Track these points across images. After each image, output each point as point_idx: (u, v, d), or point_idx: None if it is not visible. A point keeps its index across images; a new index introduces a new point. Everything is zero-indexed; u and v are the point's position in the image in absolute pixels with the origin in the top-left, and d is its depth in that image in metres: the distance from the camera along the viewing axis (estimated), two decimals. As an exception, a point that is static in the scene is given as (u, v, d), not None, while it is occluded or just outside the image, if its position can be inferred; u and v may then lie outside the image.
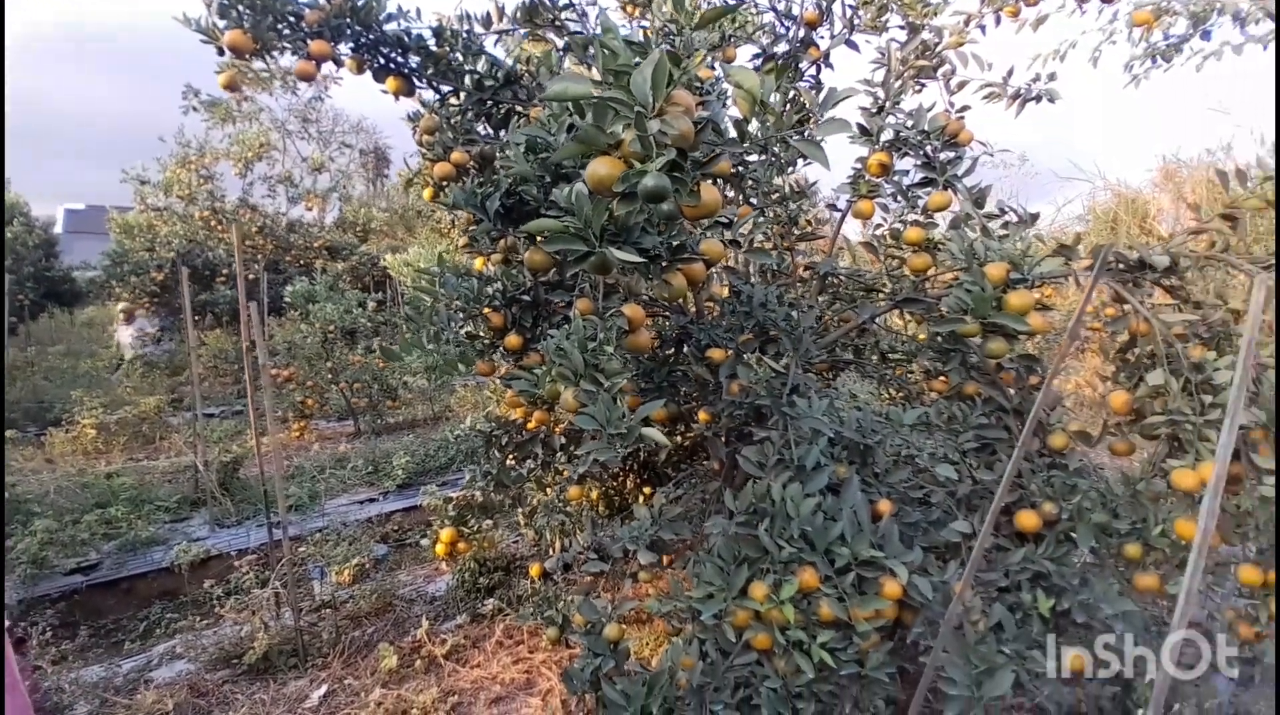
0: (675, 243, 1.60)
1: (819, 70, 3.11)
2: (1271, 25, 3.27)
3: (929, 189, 2.38)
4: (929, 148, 2.33)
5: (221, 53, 2.59)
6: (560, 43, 2.95)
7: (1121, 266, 2.22)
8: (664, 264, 1.59)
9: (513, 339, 2.33)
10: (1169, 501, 2.16)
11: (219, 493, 5.20)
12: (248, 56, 2.66)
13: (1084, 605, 1.89)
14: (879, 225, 2.45)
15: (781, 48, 3.02)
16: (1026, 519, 2.00)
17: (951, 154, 2.36)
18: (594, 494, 3.38)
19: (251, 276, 10.39)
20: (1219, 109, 10.00)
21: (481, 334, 2.43)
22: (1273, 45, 3.29)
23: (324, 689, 2.98)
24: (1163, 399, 2.11)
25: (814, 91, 2.97)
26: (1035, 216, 2.22)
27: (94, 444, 6.91)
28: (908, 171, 2.40)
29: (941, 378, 2.79)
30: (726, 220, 2.02)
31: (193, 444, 5.72)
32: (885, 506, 2.08)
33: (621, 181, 1.21)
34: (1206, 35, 3.59)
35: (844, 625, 1.75)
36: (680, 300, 2.78)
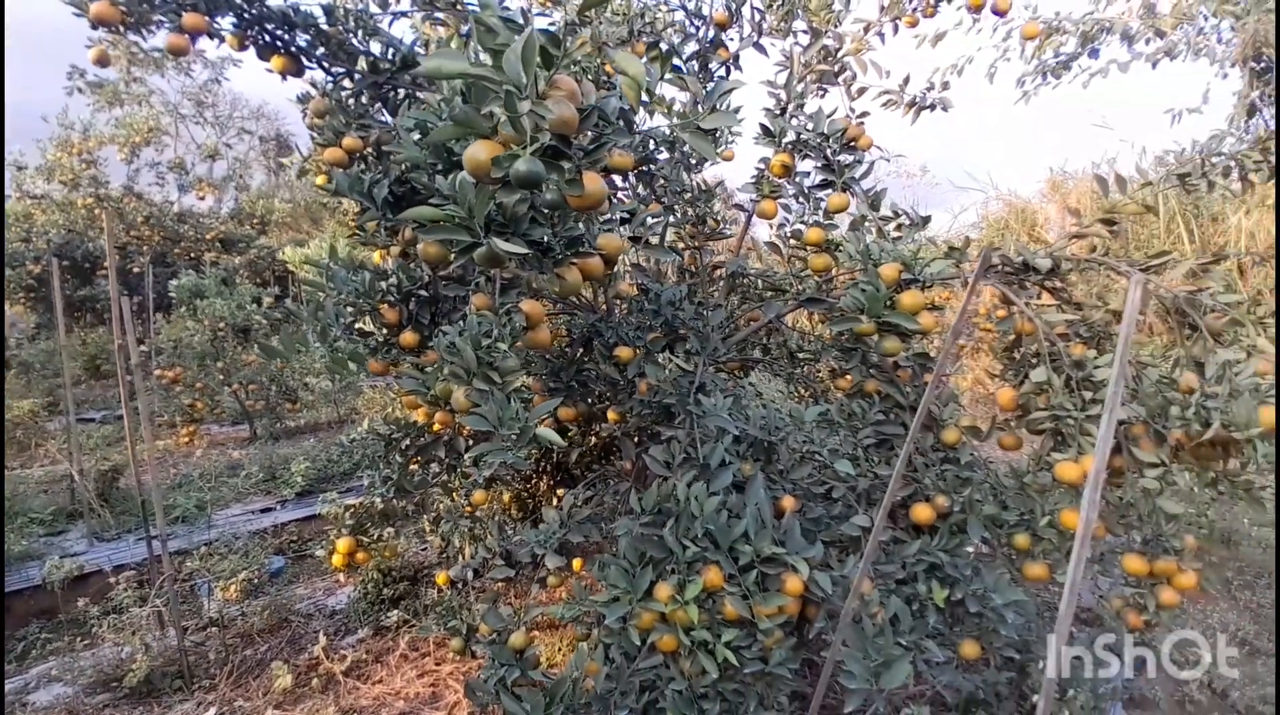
0: (571, 236, 1.55)
1: (728, 72, 3.12)
2: (1158, 43, 3.51)
3: (828, 191, 2.42)
4: (828, 150, 2.37)
5: (95, 27, 2.37)
6: (464, 27, 2.84)
7: (1008, 269, 2.32)
8: (557, 258, 1.54)
9: (408, 336, 2.21)
10: (1055, 493, 2.28)
11: (97, 504, 4.78)
12: (121, 30, 2.43)
13: (976, 595, 1.96)
14: (782, 225, 2.47)
15: (691, 47, 3.02)
16: (921, 511, 2.06)
17: (850, 157, 2.40)
18: (505, 497, 3.29)
19: (136, 269, 9.65)
20: (1103, 125, 10.80)
21: (374, 331, 2.30)
22: (1160, 62, 3.54)
23: (211, 711, 2.77)
24: (1046, 395, 2.22)
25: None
26: (927, 219, 2.30)
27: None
28: (809, 173, 2.44)
29: (845, 376, 2.86)
30: (625, 216, 1.98)
31: (68, 451, 5.23)
32: (789, 503, 2.10)
33: (496, 166, 1.14)
34: (1094, 54, 3.85)
35: (748, 623, 1.74)
36: (586, 297, 2.73)
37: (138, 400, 3.06)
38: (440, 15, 2.82)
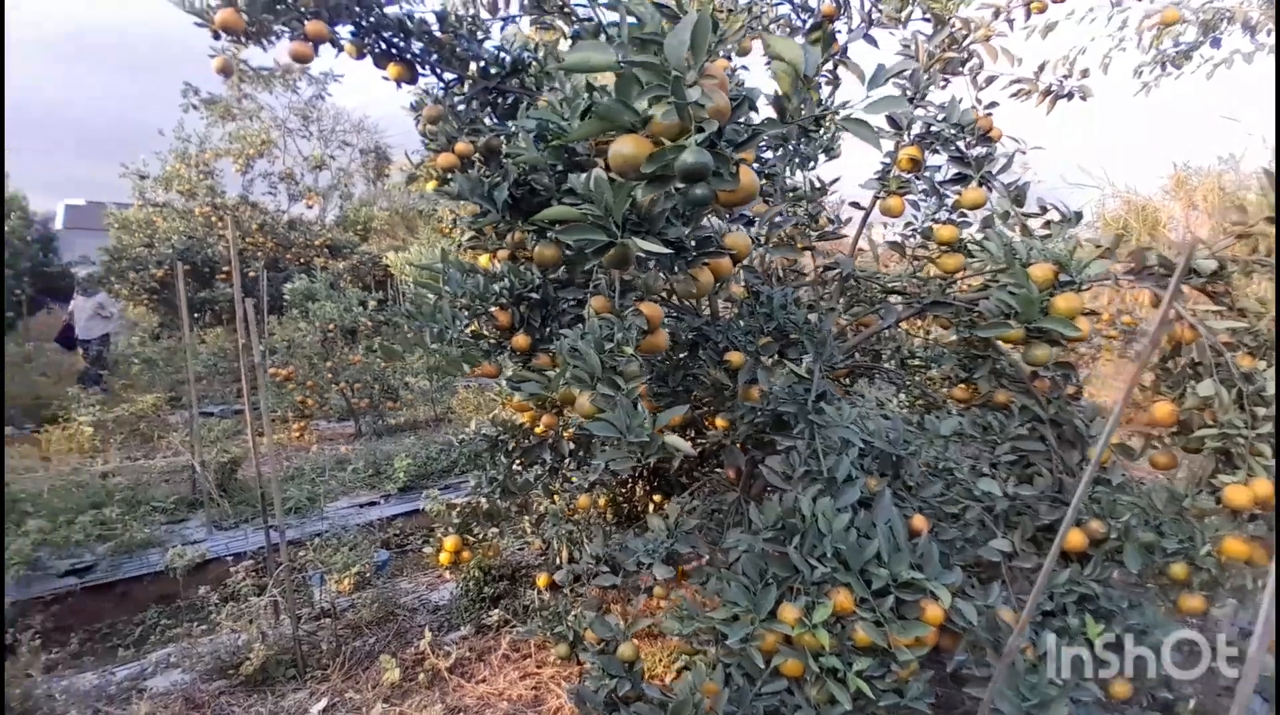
0: (702, 236, 1.48)
1: (835, 66, 2.99)
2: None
3: (958, 186, 2.26)
4: (962, 142, 2.20)
5: (217, 36, 2.49)
6: (569, 30, 2.83)
7: (1163, 270, 2.10)
8: (690, 258, 1.47)
9: (520, 339, 2.20)
10: (1216, 519, 2.04)
11: (216, 494, 5.08)
12: (243, 40, 2.54)
13: (1135, 630, 1.76)
14: (908, 223, 2.32)
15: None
16: (1073, 537, 1.88)
17: (984, 150, 2.24)
18: (601, 501, 3.26)
19: (252, 274, 10.27)
20: (1230, 117, 9.89)
21: (486, 333, 2.31)
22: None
23: (324, 703, 2.86)
24: (1211, 411, 1.99)
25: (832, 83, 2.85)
26: (1079, 215, 2.10)
27: (91, 442, 6.79)
28: (939, 167, 2.28)
29: (962, 385, 2.68)
30: (750, 215, 1.90)
31: (190, 444, 5.60)
32: (920, 523, 1.96)
33: (652, 161, 1.08)
34: (1216, 43, 3.50)
35: (881, 651, 1.62)
36: (699, 299, 2.66)
37: (259, 397, 3.21)
38: (548, 19, 2.82)
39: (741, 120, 1.18)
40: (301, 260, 11.55)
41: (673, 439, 1.49)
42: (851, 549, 1.70)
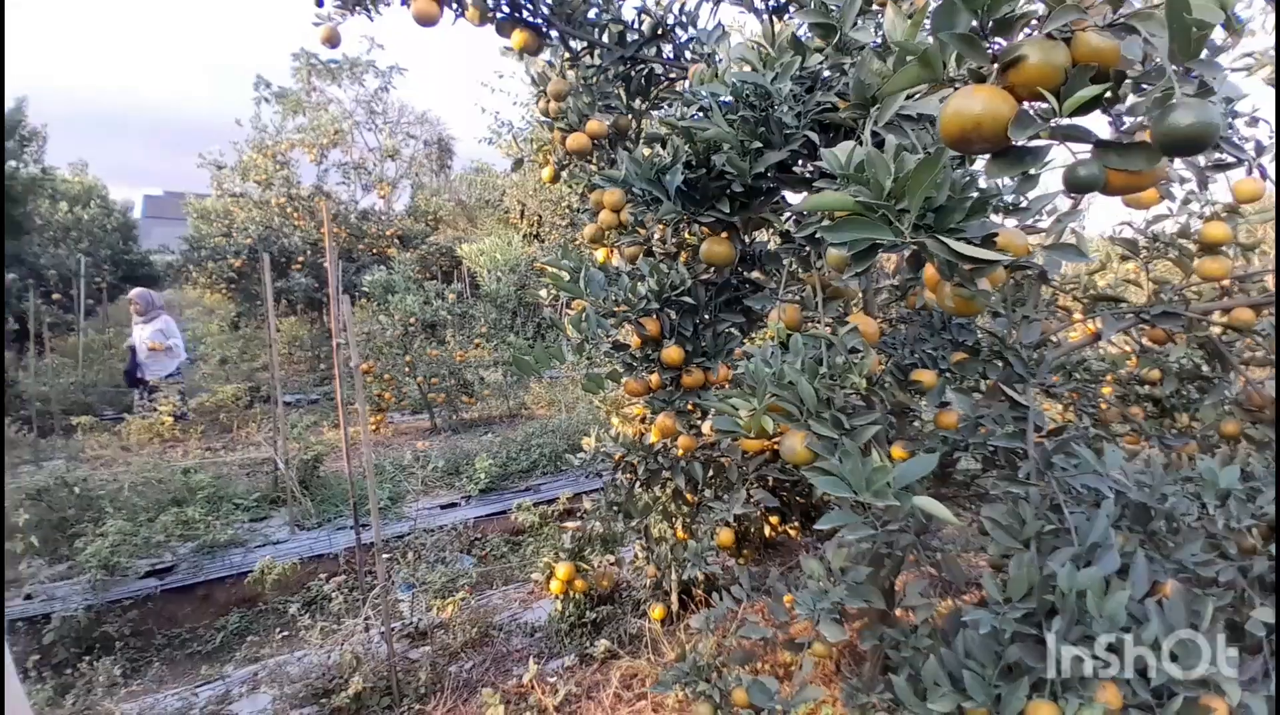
0: (986, 233, 1.11)
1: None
2: None
3: (1216, 174, 1.82)
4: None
5: (320, 3, 2.25)
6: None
7: None
8: (974, 260, 1.10)
9: (673, 351, 1.87)
10: None
11: (299, 492, 4.94)
12: (350, 9, 2.28)
13: None
14: (1161, 217, 1.88)
15: None
16: None
17: (1258, 136, 1.79)
18: (725, 535, 2.93)
19: (325, 263, 10.29)
20: None
21: (629, 344, 1.99)
22: None
23: (422, 740, 2.62)
24: None
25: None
26: None
27: (171, 432, 6.81)
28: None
29: (1138, 406, 2.25)
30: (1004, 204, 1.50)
31: (272, 440, 5.50)
32: (1168, 589, 1.56)
33: (1021, 125, 0.72)
34: None
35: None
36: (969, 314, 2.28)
37: (354, 396, 2.98)
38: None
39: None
40: (374, 251, 11.55)
41: (928, 502, 1.13)
42: (1129, 631, 1.32)
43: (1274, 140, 1.77)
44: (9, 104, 8.20)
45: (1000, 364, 1.94)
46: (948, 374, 1.96)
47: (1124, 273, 3.07)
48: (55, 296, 10.38)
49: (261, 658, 3.23)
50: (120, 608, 3.74)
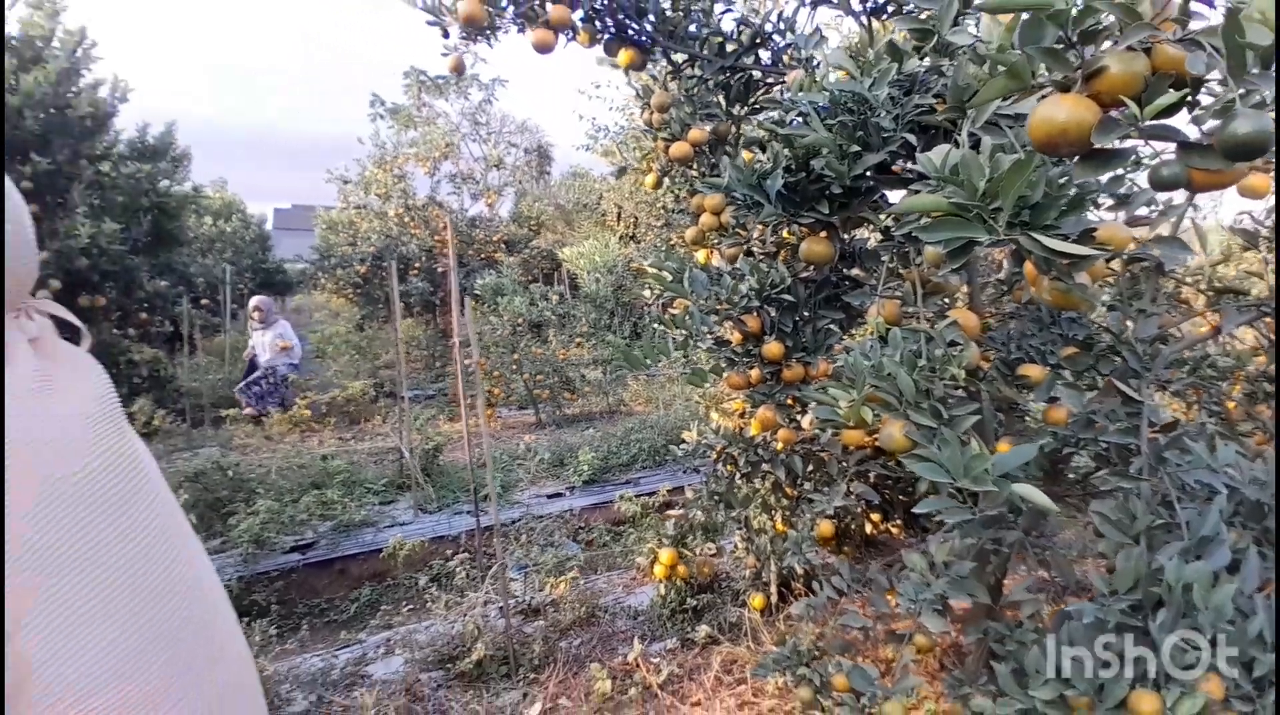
0: (1084, 228, 1.14)
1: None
2: None
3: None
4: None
5: (446, 35, 2.48)
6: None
7: None
8: (1070, 256, 1.14)
9: (773, 347, 1.97)
10: None
11: (421, 479, 5.36)
12: (474, 38, 2.50)
13: None
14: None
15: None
16: None
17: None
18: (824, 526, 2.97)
19: (440, 269, 10.96)
20: None
21: (730, 340, 2.09)
22: None
23: (538, 707, 2.82)
24: None
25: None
26: None
27: (308, 423, 7.50)
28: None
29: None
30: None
31: (398, 430, 5.97)
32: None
33: (1105, 130, 0.78)
34: None
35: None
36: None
37: (474, 392, 3.24)
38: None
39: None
40: (482, 256, 12.19)
41: (1027, 490, 1.18)
42: (1240, 628, 1.30)
43: (1275, 139, 1.64)
44: (159, 128, 9.34)
45: (1115, 359, 1.90)
46: (1057, 369, 1.95)
47: (1248, 264, 2.88)
48: (204, 302, 11.63)
49: (393, 625, 3.56)
50: (267, 578, 4.21)
